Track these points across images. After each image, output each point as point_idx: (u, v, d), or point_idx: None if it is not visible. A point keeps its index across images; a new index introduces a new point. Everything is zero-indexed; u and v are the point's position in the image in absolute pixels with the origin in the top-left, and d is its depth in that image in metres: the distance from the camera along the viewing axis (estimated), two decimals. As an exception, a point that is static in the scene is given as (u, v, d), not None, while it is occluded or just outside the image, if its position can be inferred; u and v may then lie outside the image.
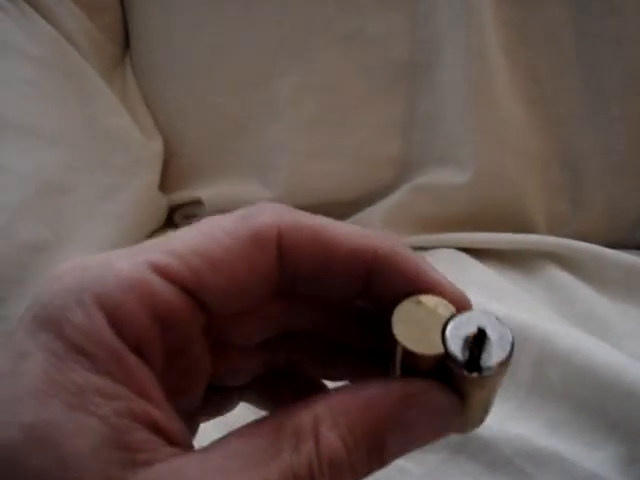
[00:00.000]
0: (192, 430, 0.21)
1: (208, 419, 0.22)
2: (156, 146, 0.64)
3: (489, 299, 0.43)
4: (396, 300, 0.18)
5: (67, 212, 0.50)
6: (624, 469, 0.30)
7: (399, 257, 0.19)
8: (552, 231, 0.59)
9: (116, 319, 0.16)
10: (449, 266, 0.53)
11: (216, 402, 0.22)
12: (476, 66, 0.57)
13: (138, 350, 0.16)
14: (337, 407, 0.16)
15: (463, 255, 0.55)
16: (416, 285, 0.18)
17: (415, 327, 0.17)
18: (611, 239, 0.57)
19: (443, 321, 0.17)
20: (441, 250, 0.56)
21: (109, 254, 0.17)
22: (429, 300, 0.18)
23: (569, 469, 0.30)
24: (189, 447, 0.16)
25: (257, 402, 0.23)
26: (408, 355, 0.17)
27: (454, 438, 0.33)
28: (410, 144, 0.61)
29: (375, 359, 0.21)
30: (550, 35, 0.58)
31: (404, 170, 0.62)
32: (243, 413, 0.32)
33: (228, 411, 0.23)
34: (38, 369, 0.15)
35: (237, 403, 0.23)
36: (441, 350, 0.17)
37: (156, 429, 0.15)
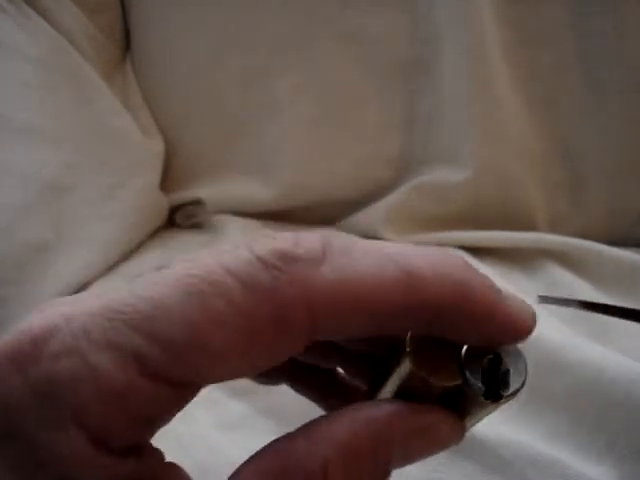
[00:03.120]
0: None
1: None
2: (157, 146, 0.64)
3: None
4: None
5: (68, 212, 0.50)
6: None
7: (468, 304, 0.15)
8: (552, 229, 0.59)
9: (100, 437, 0.14)
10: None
11: None
12: (476, 64, 0.57)
13: (127, 452, 0.14)
14: (344, 447, 0.15)
15: (463, 254, 0.55)
16: (489, 332, 0.16)
17: (429, 354, 0.16)
18: (612, 236, 0.57)
19: (456, 346, 0.16)
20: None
21: (78, 329, 0.14)
22: None
23: (571, 475, 0.30)
24: None
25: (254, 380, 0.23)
26: (419, 380, 0.16)
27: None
28: (410, 142, 0.61)
29: (368, 360, 0.21)
30: (550, 33, 0.58)
31: (404, 169, 0.62)
32: (244, 411, 0.32)
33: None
34: None
35: None
36: (459, 380, 0.16)
37: None
